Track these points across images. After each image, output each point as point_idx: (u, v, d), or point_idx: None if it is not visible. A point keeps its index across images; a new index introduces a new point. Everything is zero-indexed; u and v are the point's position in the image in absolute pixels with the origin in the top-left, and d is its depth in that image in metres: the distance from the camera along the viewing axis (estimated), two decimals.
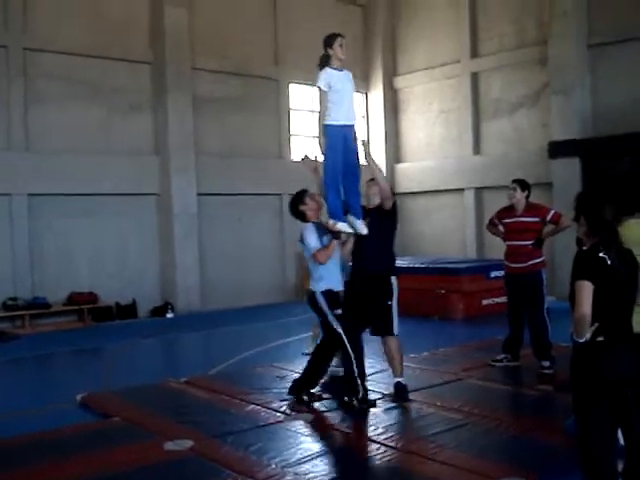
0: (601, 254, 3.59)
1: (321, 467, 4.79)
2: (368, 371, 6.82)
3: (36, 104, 12.46)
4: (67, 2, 12.83)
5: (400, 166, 17.36)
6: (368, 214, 6.38)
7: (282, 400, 6.49)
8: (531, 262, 7.42)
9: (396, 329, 6.49)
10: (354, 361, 6.16)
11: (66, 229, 12.69)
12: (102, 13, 13.20)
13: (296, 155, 15.90)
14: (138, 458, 5.06)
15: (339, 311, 6.21)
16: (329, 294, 6.24)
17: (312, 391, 6.54)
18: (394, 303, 6.46)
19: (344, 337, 6.16)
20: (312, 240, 6.25)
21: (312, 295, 6.32)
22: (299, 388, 6.53)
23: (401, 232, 13.06)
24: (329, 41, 6.17)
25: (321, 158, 6.25)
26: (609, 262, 3.57)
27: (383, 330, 6.50)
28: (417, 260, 13.20)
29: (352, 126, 6.21)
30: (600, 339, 3.57)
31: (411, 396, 6.43)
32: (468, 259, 14.70)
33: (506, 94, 15.27)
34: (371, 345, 7.04)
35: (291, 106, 16.12)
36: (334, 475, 4.66)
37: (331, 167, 6.06)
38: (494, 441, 5.24)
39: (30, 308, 11.97)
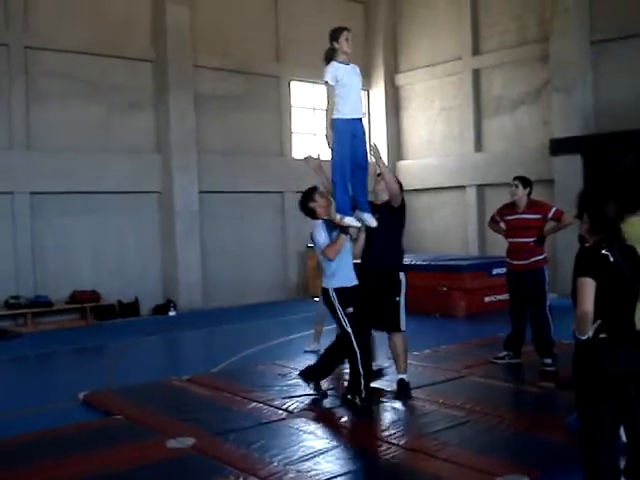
0: (604, 251, 3.59)
1: (324, 464, 4.79)
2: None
3: (38, 102, 12.47)
4: (68, 0, 12.83)
5: (402, 163, 17.35)
6: (376, 210, 6.37)
7: (284, 397, 6.49)
8: (533, 259, 7.42)
9: (403, 325, 6.49)
10: (360, 360, 6.14)
11: (68, 227, 12.70)
12: (104, 11, 13.20)
13: (298, 152, 15.91)
14: (140, 456, 5.06)
15: (351, 309, 6.17)
16: (341, 291, 6.20)
17: (320, 384, 6.57)
18: (402, 299, 6.47)
19: (352, 336, 6.15)
20: (321, 237, 6.23)
21: (326, 292, 6.31)
22: (309, 374, 6.58)
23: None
24: (335, 35, 6.15)
25: (323, 156, 6.24)
26: (611, 259, 3.57)
27: (390, 326, 6.49)
28: (419, 257, 13.19)
29: (360, 120, 6.20)
30: (603, 336, 3.57)
31: (413, 393, 6.44)
32: (470, 256, 14.69)
33: (507, 91, 15.25)
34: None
35: (293, 103, 16.11)
36: (337, 472, 4.65)
37: (339, 162, 6.04)
38: (496, 438, 5.24)
39: (32, 306, 11.98)
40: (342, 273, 6.23)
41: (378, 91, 17.48)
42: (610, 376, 3.56)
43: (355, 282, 6.32)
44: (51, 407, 6.78)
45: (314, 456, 4.94)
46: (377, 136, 17.37)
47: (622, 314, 3.64)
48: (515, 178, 7.67)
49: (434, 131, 16.88)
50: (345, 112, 6.05)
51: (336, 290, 6.21)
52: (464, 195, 16.10)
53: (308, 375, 6.61)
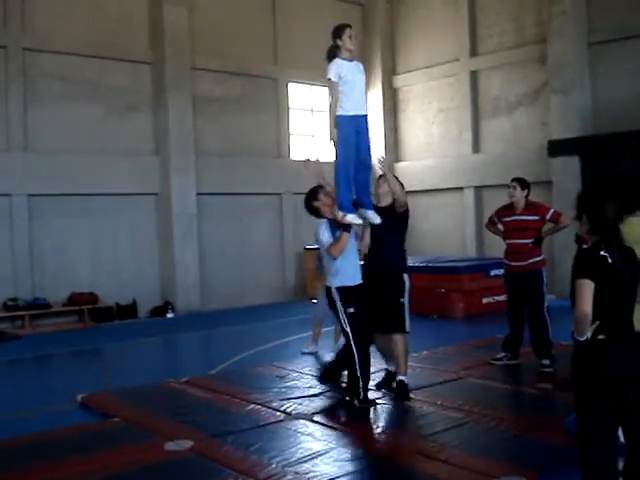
0: (602, 252, 3.59)
1: (322, 466, 4.79)
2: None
3: (35, 104, 12.46)
4: (66, 2, 12.82)
5: (400, 165, 17.34)
6: (378, 213, 6.36)
7: (282, 399, 6.49)
8: (531, 260, 7.42)
9: (408, 326, 6.50)
10: (357, 362, 6.13)
11: (66, 229, 12.69)
12: (101, 13, 13.20)
13: (296, 154, 15.92)
14: (138, 458, 5.05)
15: (352, 309, 6.15)
16: (343, 290, 6.18)
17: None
18: (406, 300, 6.47)
19: (351, 336, 6.14)
20: (325, 236, 6.22)
21: (329, 290, 6.29)
22: (326, 375, 6.63)
23: None
24: (338, 32, 6.15)
25: (323, 159, 6.23)
26: (610, 260, 3.57)
27: (394, 327, 6.47)
28: (417, 259, 13.19)
29: (364, 116, 6.17)
30: (601, 337, 3.56)
31: (411, 395, 6.43)
32: (468, 257, 14.70)
33: (505, 92, 15.26)
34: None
35: (290, 105, 16.12)
36: (335, 474, 4.65)
37: (342, 158, 6.03)
38: (494, 440, 5.24)
39: (30, 308, 11.97)
40: (346, 272, 6.21)
41: (376, 92, 17.48)
42: (609, 377, 3.56)
43: (359, 281, 6.29)
44: (49, 409, 6.78)
45: (312, 458, 4.93)
46: (375, 137, 17.37)
47: (621, 315, 3.64)
48: (513, 180, 7.67)
49: (432, 132, 16.89)
50: (349, 109, 6.03)
51: (338, 289, 6.19)
52: (462, 196, 16.11)
53: (325, 376, 6.58)
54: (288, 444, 5.26)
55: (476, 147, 15.88)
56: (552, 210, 7.59)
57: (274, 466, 4.78)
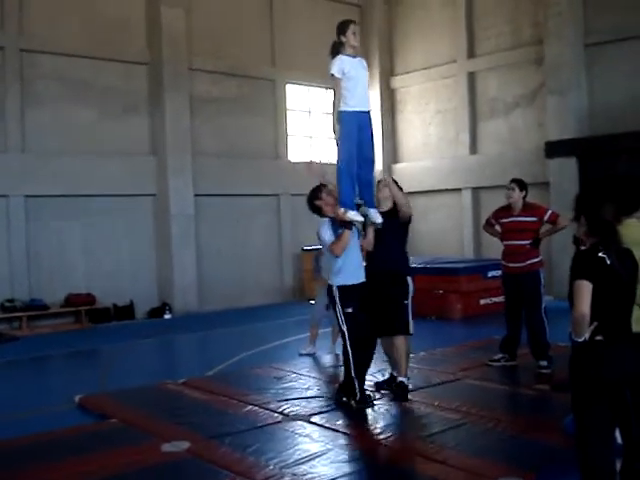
0: (600, 254, 3.58)
1: (319, 467, 4.78)
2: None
3: (33, 105, 12.45)
4: (64, 3, 12.82)
5: (397, 166, 17.35)
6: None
7: (280, 401, 6.49)
8: (529, 262, 7.42)
9: (412, 328, 6.50)
10: (353, 362, 6.13)
11: (63, 230, 12.68)
12: (99, 14, 13.19)
13: (293, 155, 15.92)
14: (135, 460, 5.04)
15: (350, 309, 6.12)
16: (344, 289, 6.16)
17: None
18: (409, 302, 6.47)
19: (347, 336, 6.13)
20: (327, 235, 6.20)
21: (330, 289, 6.28)
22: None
23: None
24: (342, 28, 6.15)
25: (324, 160, 6.21)
26: (608, 262, 3.56)
27: (397, 329, 6.46)
28: (415, 260, 13.09)
29: (367, 113, 6.17)
30: (599, 338, 3.56)
31: (409, 396, 6.43)
32: (466, 259, 14.70)
33: (502, 94, 15.28)
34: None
35: (288, 106, 16.11)
36: (332, 476, 4.64)
37: (345, 154, 6.02)
38: (492, 441, 5.24)
39: (27, 310, 11.96)
40: (348, 270, 6.18)
41: (373, 94, 17.45)
42: (606, 378, 3.56)
43: (362, 279, 6.26)
44: (46, 410, 6.76)
45: (310, 459, 4.93)
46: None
47: (618, 317, 3.64)
48: (512, 181, 7.67)
49: (429, 134, 16.90)
50: (352, 104, 6.03)
51: (339, 288, 6.17)
52: (459, 198, 16.12)
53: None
54: (286, 445, 5.25)
55: (473, 148, 15.89)
56: (550, 211, 7.60)
57: (271, 467, 4.77)
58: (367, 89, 6.31)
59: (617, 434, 3.86)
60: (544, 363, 7.28)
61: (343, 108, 6.03)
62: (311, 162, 6.69)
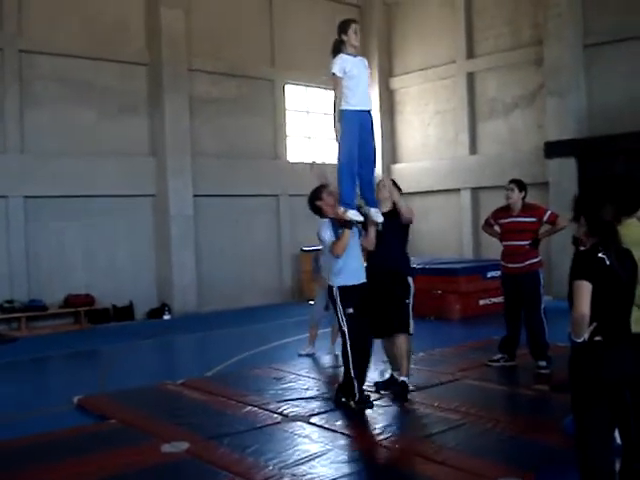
0: (600, 254, 3.58)
1: (319, 468, 4.78)
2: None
3: (32, 106, 12.44)
4: (63, 4, 12.82)
5: (396, 167, 17.36)
6: None
7: (279, 401, 6.48)
8: (528, 262, 7.42)
9: (412, 328, 6.50)
10: (352, 363, 6.12)
11: (62, 231, 12.67)
12: (98, 15, 13.19)
13: (292, 156, 15.92)
14: (135, 460, 5.04)
15: (351, 310, 6.11)
16: (344, 290, 6.15)
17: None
18: (410, 302, 6.48)
19: (347, 337, 6.13)
20: (327, 235, 6.18)
21: (330, 289, 6.27)
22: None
23: None
24: (344, 27, 6.13)
25: (321, 159, 6.21)
26: (608, 262, 3.56)
27: (398, 328, 6.45)
28: (414, 260, 13.13)
29: (368, 112, 6.18)
30: (598, 339, 3.56)
31: (408, 396, 6.43)
32: (465, 259, 14.71)
33: (502, 95, 15.29)
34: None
35: (287, 107, 16.12)
36: (332, 476, 4.64)
37: (346, 153, 6.01)
38: (491, 441, 5.24)
39: (27, 310, 11.95)
40: (348, 271, 6.17)
41: (372, 94, 17.45)
42: (606, 379, 3.56)
43: (363, 279, 6.25)
44: (45, 411, 6.76)
45: (309, 460, 4.93)
46: None
47: (618, 317, 3.64)
48: (511, 181, 7.67)
49: (428, 134, 16.90)
50: (354, 103, 6.03)
51: (340, 288, 6.16)
52: (458, 198, 16.13)
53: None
54: (285, 446, 5.25)
55: (472, 149, 15.90)
56: (549, 212, 7.60)
57: (271, 468, 4.77)
58: (368, 88, 6.32)
59: (616, 434, 3.86)
60: (543, 363, 7.28)
61: (344, 107, 6.03)
62: (314, 163, 6.66)
